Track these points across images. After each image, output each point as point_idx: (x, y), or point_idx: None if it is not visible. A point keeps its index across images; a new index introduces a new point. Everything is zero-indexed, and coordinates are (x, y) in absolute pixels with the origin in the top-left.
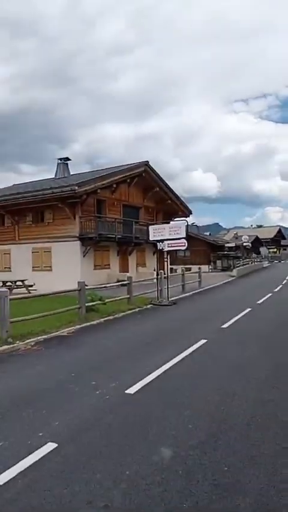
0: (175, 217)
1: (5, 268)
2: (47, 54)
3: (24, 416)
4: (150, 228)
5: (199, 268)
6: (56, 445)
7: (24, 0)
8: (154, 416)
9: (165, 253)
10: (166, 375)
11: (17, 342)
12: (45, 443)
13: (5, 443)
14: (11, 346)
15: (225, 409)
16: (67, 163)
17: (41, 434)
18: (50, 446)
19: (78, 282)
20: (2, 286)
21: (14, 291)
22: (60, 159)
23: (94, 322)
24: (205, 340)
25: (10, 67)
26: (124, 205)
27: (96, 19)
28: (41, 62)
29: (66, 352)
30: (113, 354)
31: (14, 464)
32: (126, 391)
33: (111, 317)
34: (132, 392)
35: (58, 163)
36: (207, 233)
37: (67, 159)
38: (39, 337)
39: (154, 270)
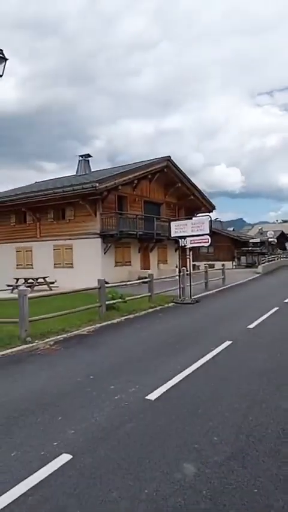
0: (198, 213)
1: (27, 265)
2: (67, 53)
3: (40, 423)
4: (172, 224)
5: (223, 264)
6: (71, 456)
7: (44, 0)
8: (176, 427)
9: (188, 249)
10: (188, 379)
11: (36, 341)
12: (60, 454)
13: (17, 453)
14: (30, 345)
15: (253, 420)
16: (88, 160)
17: (55, 443)
18: (65, 457)
19: (98, 280)
20: (24, 283)
21: (36, 288)
22: (81, 156)
23: (114, 321)
24: (230, 342)
25: (31, 66)
26: (145, 201)
27: (115, 17)
28: (61, 61)
29: (86, 352)
30: (133, 355)
31: (26, 478)
32: (146, 397)
33: (131, 315)
34: (152, 399)
35: (79, 161)
36: (231, 229)
37: (88, 155)
38: (58, 336)
39: (176, 267)
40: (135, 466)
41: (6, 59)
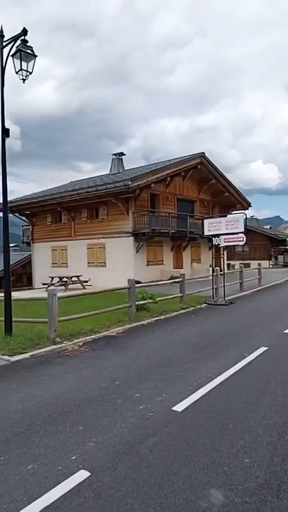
0: (233, 210)
1: (62, 264)
2: (103, 54)
3: (60, 432)
4: (205, 221)
5: (259, 264)
6: (89, 473)
7: (80, 3)
8: (203, 443)
9: (222, 248)
10: (219, 388)
11: (65, 342)
12: (77, 471)
13: (34, 466)
14: (59, 346)
15: None
16: (121, 159)
17: (74, 457)
18: (82, 474)
19: (128, 280)
20: (58, 281)
21: (70, 286)
22: (115, 154)
23: (144, 322)
24: (266, 348)
25: (69, 68)
26: (178, 199)
27: (150, 16)
28: (97, 62)
29: (113, 355)
30: (162, 359)
31: (39, 497)
32: (173, 408)
33: (162, 317)
34: (179, 410)
35: (113, 159)
36: (268, 226)
37: (121, 154)
38: (87, 337)
39: (210, 267)
40: (156, 490)
41: (35, 56)
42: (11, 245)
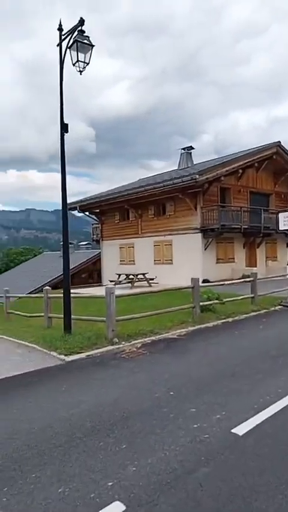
0: None
1: (129, 261)
2: (174, 51)
3: (100, 449)
4: (280, 215)
5: None
6: (124, 507)
7: (151, 2)
8: (267, 480)
9: None
10: None
11: (123, 342)
12: (111, 502)
13: (64, 490)
14: (116, 347)
15: None
16: (190, 153)
17: (110, 483)
18: (116, 508)
19: (192, 278)
20: (125, 278)
21: (136, 283)
22: (183, 148)
23: (209, 325)
24: None
25: (142, 68)
26: (251, 192)
27: (222, 7)
28: (169, 60)
29: (172, 360)
30: (225, 368)
31: None
32: (232, 430)
33: (230, 319)
34: (240, 434)
35: (181, 154)
36: None
37: (190, 147)
38: (146, 339)
39: (287, 264)
40: None
41: (92, 45)
42: (83, 243)
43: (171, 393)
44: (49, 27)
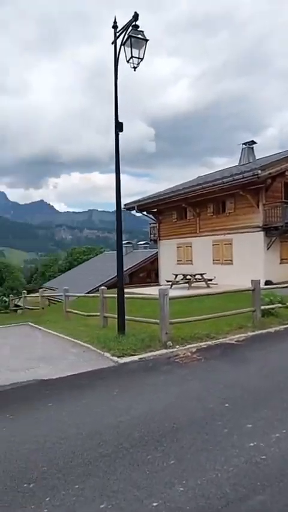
0: None
1: (186, 261)
2: (237, 44)
3: (147, 463)
4: None
5: None
6: None
7: None
8: None
9: None
10: None
11: (177, 346)
12: None
13: (107, 506)
14: (170, 351)
15: None
16: (252, 147)
17: (155, 504)
18: None
19: (252, 280)
20: (182, 279)
21: (194, 284)
22: (245, 143)
23: (271, 330)
24: None
25: (202, 65)
26: None
27: None
28: (230, 54)
29: (229, 367)
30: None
31: None
32: None
33: None
34: None
35: (242, 149)
36: None
37: (252, 142)
38: (201, 343)
39: None
40: None
41: (147, 40)
42: (141, 242)
43: (226, 405)
44: (109, 30)
